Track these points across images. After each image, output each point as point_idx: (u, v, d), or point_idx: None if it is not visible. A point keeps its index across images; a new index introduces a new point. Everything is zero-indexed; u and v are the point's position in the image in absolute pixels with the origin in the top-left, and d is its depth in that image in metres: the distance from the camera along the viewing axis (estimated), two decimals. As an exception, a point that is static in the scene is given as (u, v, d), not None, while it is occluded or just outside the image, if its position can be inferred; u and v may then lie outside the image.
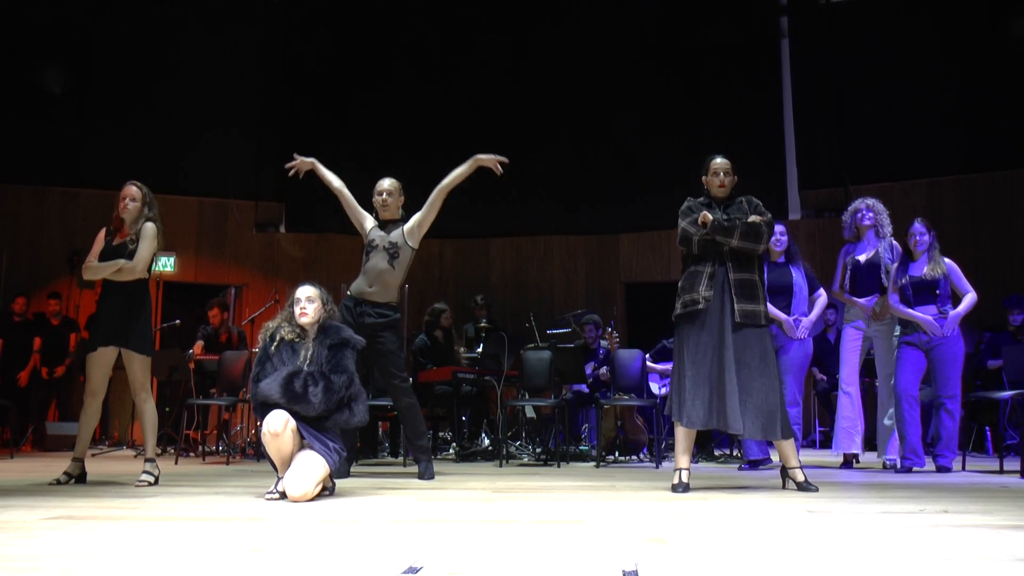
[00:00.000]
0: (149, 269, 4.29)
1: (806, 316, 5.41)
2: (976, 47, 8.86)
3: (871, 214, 5.47)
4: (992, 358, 7.00)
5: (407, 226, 4.70)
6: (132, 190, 4.29)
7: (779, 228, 5.47)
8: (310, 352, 3.59)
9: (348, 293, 4.69)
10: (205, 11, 9.83)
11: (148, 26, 9.60)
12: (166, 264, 9.13)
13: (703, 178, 4.03)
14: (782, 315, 5.31)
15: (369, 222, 4.78)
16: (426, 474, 4.52)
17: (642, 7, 9.82)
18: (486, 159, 4.69)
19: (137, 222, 4.26)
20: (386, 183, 4.76)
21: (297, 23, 10.24)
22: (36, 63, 9.20)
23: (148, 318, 4.32)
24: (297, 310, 3.63)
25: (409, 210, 4.81)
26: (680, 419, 3.80)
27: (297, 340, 3.63)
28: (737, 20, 9.68)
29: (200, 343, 7.18)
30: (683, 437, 3.85)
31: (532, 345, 6.92)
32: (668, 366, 5.98)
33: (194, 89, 9.57)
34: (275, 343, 3.62)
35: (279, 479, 3.42)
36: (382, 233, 4.70)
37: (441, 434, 7.16)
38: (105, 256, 4.23)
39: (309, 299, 3.64)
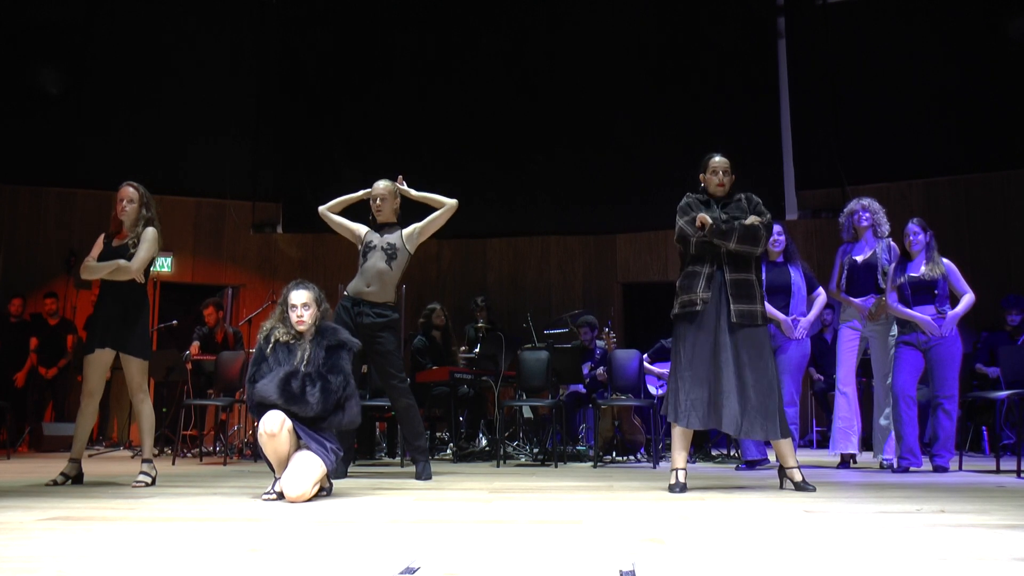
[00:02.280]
0: (147, 272, 4.29)
1: (804, 316, 5.42)
2: (973, 47, 8.87)
3: (867, 214, 5.48)
4: (985, 361, 7.00)
5: (407, 231, 4.72)
6: (129, 191, 4.28)
7: (777, 228, 5.47)
8: (307, 353, 3.58)
9: (345, 293, 4.69)
10: (202, 11, 9.82)
11: (145, 26, 9.59)
12: (163, 265, 9.14)
13: (701, 176, 4.03)
14: (780, 315, 5.32)
15: (363, 229, 4.78)
16: (423, 474, 4.52)
17: (640, 8, 9.82)
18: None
19: (136, 224, 4.25)
20: (380, 187, 4.76)
21: (294, 23, 10.22)
22: (33, 63, 9.18)
23: (146, 321, 4.32)
24: (293, 317, 3.62)
25: (405, 210, 4.82)
26: (677, 419, 3.81)
27: (293, 341, 3.63)
28: (734, 20, 9.69)
29: (196, 344, 7.17)
30: (680, 437, 3.85)
31: (529, 345, 6.93)
32: (665, 369, 5.98)
33: (191, 89, 9.56)
34: (271, 344, 3.62)
35: (276, 479, 3.42)
36: (379, 235, 4.71)
37: (439, 434, 7.16)
38: (104, 258, 4.22)
39: (304, 305, 3.63)
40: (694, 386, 3.77)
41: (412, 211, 4.84)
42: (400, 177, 4.79)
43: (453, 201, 4.71)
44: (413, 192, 4.76)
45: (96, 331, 4.21)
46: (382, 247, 4.64)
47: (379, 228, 4.75)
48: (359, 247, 4.75)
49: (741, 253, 3.83)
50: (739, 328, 3.77)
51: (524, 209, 9.86)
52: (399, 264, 4.66)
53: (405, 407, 4.68)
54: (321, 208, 4.82)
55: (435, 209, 4.74)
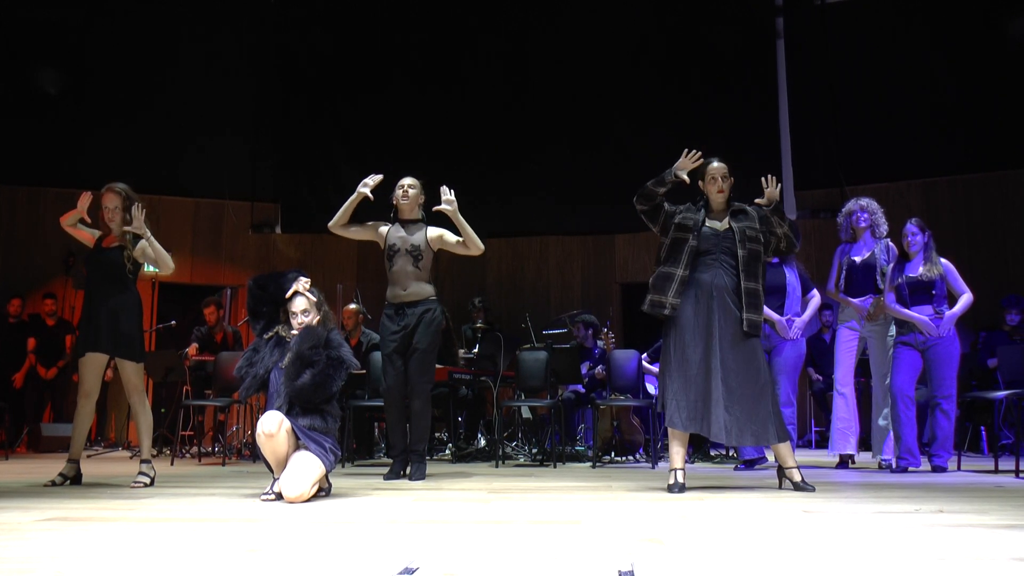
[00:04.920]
0: (136, 271, 4.33)
1: (799, 316, 5.43)
2: (972, 47, 8.87)
3: (866, 215, 5.48)
4: (991, 357, 7.02)
5: (431, 235, 4.75)
6: (111, 199, 4.31)
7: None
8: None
9: (386, 303, 4.73)
10: (201, 11, 9.81)
11: (144, 27, 9.58)
12: (162, 265, 9.11)
13: (700, 183, 4.02)
14: (775, 316, 5.33)
15: (383, 228, 4.79)
16: (415, 475, 4.54)
17: (639, 8, 9.82)
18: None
19: (124, 235, 4.28)
20: (408, 180, 4.80)
21: (293, 23, 10.21)
22: (32, 64, 9.18)
23: (140, 323, 4.33)
24: (294, 324, 3.64)
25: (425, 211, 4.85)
26: (667, 420, 3.82)
27: (289, 341, 3.64)
28: (733, 21, 9.69)
29: (195, 346, 7.14)
30: (678, 437, 3.85)
31: (528, 346, 6.93)
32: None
33: (190, 90, 9.55)
34: (271, 333, 3.64)
35: (275, 480, 3.42)
36: (402, 234, 4.72)
37: (437, 435, 7.15)
38: (96, 261, 4.26)
39: (304, 311, 3.64)
40: (683, 388, 3.77)
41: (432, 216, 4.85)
42: (445, 188, 4.71)
43: (482, 248, 4.79)
44: (456, 212, 4.69)
45: (90, 335, 4.21)
46: (406, 249, 4.68)
47: (402, 225, 4.75)
48: (382, 246, 4.76)
49: (784, 243, 3.93)
50: (733, 335, 3.76)
51: (523, 209, 9.84)
52: (426, 263, 4.74)
53: (419, 408, 4.70)
54: (331, 225, 4.78)
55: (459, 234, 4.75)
